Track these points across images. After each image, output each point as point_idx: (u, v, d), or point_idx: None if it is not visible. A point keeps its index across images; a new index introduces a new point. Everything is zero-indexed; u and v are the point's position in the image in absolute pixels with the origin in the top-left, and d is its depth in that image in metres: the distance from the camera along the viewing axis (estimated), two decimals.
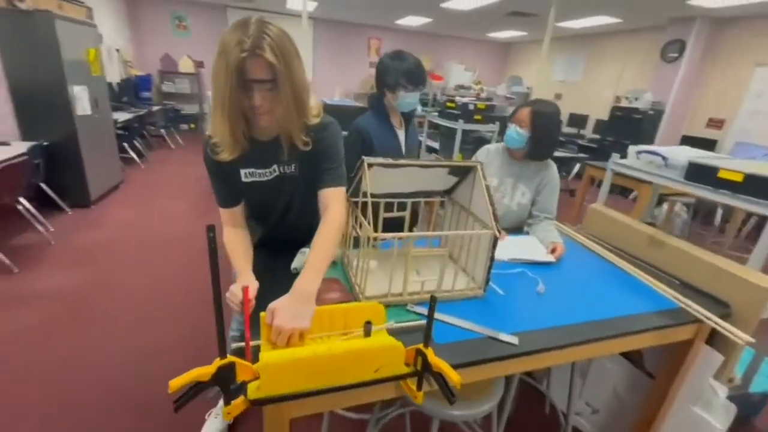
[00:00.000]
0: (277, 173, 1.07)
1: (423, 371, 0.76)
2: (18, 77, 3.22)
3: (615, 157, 1.84)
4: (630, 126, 5.51)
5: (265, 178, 1.06)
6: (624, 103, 5.82)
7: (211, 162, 1.01)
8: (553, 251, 1.36)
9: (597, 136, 6.41)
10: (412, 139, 1.76)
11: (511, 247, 1.39)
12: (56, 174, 3.40)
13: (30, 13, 3.09)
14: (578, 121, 7.00)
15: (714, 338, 1.17)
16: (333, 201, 1.00)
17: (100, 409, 1.57)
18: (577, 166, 5.92)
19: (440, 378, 0.73)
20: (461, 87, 4.41)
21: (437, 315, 0.97)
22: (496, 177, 1.62)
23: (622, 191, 5.14)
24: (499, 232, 1.00)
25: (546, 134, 1.51)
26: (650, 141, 5.48)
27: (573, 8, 5.12)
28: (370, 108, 1.68)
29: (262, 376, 0.69)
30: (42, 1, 3.37)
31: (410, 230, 1.26)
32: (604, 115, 6.24)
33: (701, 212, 3.69)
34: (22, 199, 2.86)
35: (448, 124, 3.08)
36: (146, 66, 7.23)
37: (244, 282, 0.95)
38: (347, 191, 1.10)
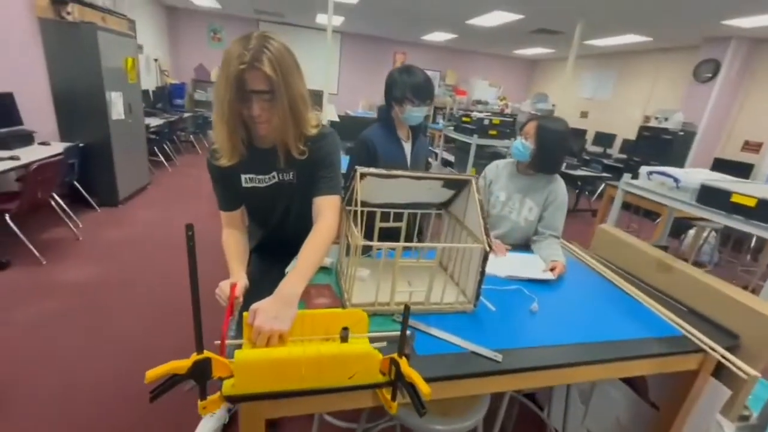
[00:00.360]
0: (276, 180, 1.10)
1: (396, 381, 0.75)
2: (60, 82, 3.47)
3: (626, 177, 1.80)
4: (658, 146, 5.33)
5: (264, 184, 1.10)
6: (653, 123, 5.65)
7: (212, 167, 1.06)
8: (552, 269, 1.33)
9: (623, 156, 6.23)
10: (420, 151, 1.77)
11: (510, 264, 1.37)
12: (89, 173, 3.61)
13: (76, 24, 3.34)
14: (605, 139, 6.83)
15: (721, 371, 1.10)
16: (326, 209, 1.03)
17: (107, 398, 1.63)
18: (602, 186, 5.75)
19: (411, 389, 0.73)
20: (479, 102, 4.40)
21: (421, 326, 0.97)
22: (504, 191, 1.62)
23: (647, 213, 4.95)
24: (490, 247, 0.99)
25: (550, 148, 1.50)
26: (680, 163, 5.28)
27: (601, 27, 5.05)
28: (378, 120, 1.71)
29: (237, 373, 0.71)
30: (88, 13, 3.63)
31: (413, 241, 1.27)
32: (632, 135, 6.06)
33: (732, 238, 3.50)
34: (55, 195, 3.05)
35: (463, 139, 3.09)
36: (181, 75, 7.61)
37: (241, 279, 0.98)
38: (344, 200, 1.12)
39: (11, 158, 2.65)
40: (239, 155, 1.01)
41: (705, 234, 3.71)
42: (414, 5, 4.84)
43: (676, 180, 1.55)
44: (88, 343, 1.96)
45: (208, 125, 7.96)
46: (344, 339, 0.79)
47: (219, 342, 0.76)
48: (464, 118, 3.08)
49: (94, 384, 1.71)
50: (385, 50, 8.60)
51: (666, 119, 5.44)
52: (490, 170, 1.70)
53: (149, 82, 6.18)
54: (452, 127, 3.34)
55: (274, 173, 1.09)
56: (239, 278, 0.98)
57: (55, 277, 2.51)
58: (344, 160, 1.43)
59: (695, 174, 1.57)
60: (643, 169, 1.76)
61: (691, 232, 3.91)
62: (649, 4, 3.80)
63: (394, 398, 0.78)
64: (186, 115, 6.66)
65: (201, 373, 0.69)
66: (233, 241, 1.11)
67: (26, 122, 3.18)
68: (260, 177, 1.09)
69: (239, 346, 0.78)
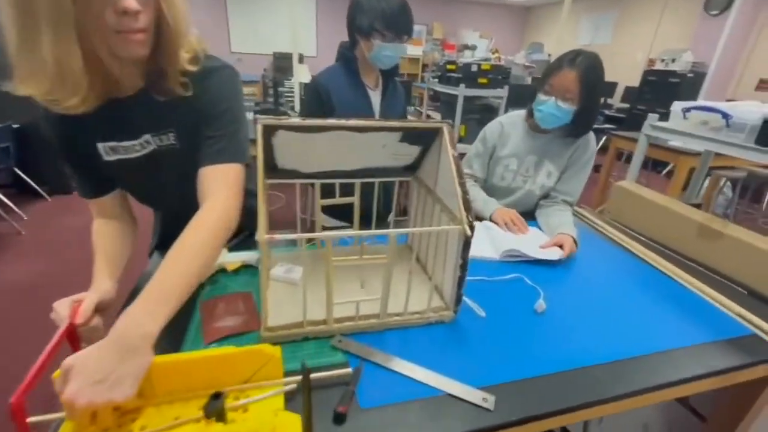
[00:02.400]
0: (154, 146, 0.74)
1: None
2: None
3: (652, 119, 1.41)
4: (664, 92, 4.88)
5: (135, 154, 0.74)
6: (659, 66, 5.16)
7: (53, 128, 0.69)
8: (561, 246, 1.00)
9: (626, 105, 5.78)
10: (393, 105, 1.37)
11: (506, 238, 1.03)
12: (33, 159, 3.20)
13: None
14: (606, 89, 6.33)
15: None
16: (215, 186, 0.67)
17: None
18: (603, 139, 5.35)
19: None
20: (466, 47, 3.92)
21: (372, 355, 0.64)
22: (515, 157, 1.25)
23: (654, 165, 4.59)
24: (471, 229, 0.65)
25: (597, 100, 1.13)
26: None
27: None
28: (337, 60, 1.32)
29: None
30: None
31: (378, 221, 0.92)
32: (635, 82, 5.58)
33: (751, 188, 3.17)
34: None
35: (448, 90, 2.66)
36: None
37: (95, 290, 0.65)
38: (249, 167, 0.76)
39: None
40: (97, 96, 0.63)
41: (721, 184, 3.38)
42: None
43: (725, 116, 1.18)
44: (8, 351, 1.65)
45: None
46: (216, 414, 0.46)
47: None
48: (449, 66, 2.65)
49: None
50: None
51: (673, 60, 4.96)
52: (492, 131, 1.29)
53: None
54: (436, 79, 2.91)
55: (147, 137, 0.73)
56: (96, 290, 0.65)
57: None
58: None
59: (749, 107, 1.20)
60: (677, 106, 1.38)
61: (706, 181, 3.58)
62: None
63: None
64: None
65: None
66: (105, 234, 0.77)
67: None
68: (126, 144, 0.72)
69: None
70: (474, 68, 2.49)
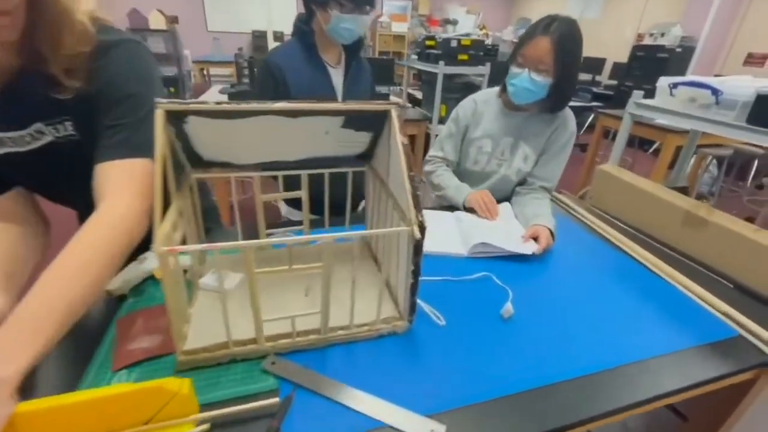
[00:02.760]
0: (50, 137, 0.62)
1: None
2: None
3: (637, 95, 1.31)
4: (652, 68, 4.77)
5: (27, 147, 0.62)
6: (647, 41, 5.05)
7: None
8: (535, 238, 0.91)
9: (614, 82, 5.67)
10: (358, 84, 1.25)
11: (477, 230, 0.95)
12: None
13: None
14: (594, 65, 6.20)
15: None
16: (112, 185, 0.56)
17: None
18: (591, 118, 5.26)
19: None
20: (447, 21, 3.75)
21: (307, 379, 0.55)
22: (489, 138, 1.14)
23: (641, 143, 4.53)
24: (422, 230, 0.55)
25: (574, 71, 1.02)
26: None
27: None
28: (293, 35, 1.18)
29: None
30: None
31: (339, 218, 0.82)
32: (624, 58, 5.46)
33: (737, 165, 3.12)
34: None
35: (427, 68, 2.52)
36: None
37: None
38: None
39: None
40: None
41: (707, 162, 3.33)
42: None
43: (715, 92, 1.08)
44: None
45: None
46: None
47: None
48: (428, 42, 2.49)
49: None
50: None
51: (662, 35, 4.84)
52: (465, 109, 1.18)
53: None
54: (416, 56, 2.76)
55: (39, 126, 0.61)
56: None
57: None
58: None
59: (740, 82, 1.10)
60: (663, 81, 1.27)
61: (692, 159, 3.53)
62: None
63: None
64: None
65: None
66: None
67: None
68: (12, 135, 0.61)
69: None
70: (454, 44, 2.34)
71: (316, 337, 0.61)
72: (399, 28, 7.48)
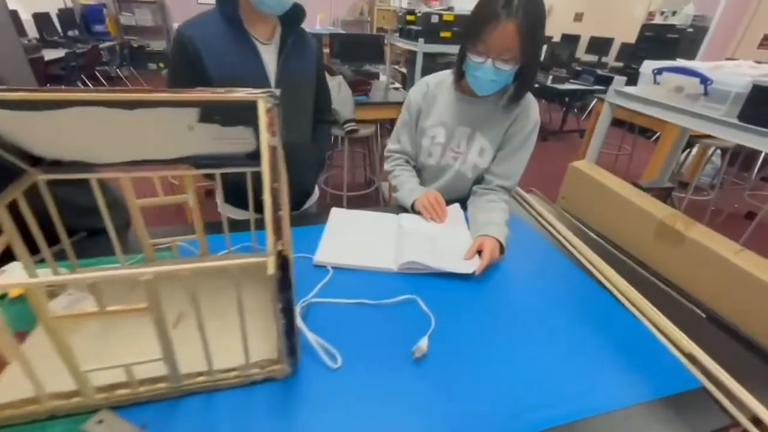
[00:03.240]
0: None
1: None
2: None
3: (618, 82, 1.14)
4: (661, 49, 4.50)
5: None
6: (658, 20, 4.75)
7: None
8: (479, 252, 0.78)
9: (620, 64, 5.40)
10: (295, 63, 1.05)
11: (416, 239, 0.82)
12: None
13: None
14: (600, 46, 5.90)
15: None
16: None
17: None
18: (594, 102, 5.02)
19: None
20: None
21: None
22: (442, 126, 0.99)
23: (642, 130, 4.31)
24: (283, 263, 0.42)
25: (539, 53, 0.87)
26: None
27: None
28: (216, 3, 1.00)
29: None
30: None
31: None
32: (632, 38, 5.17)
33: (741, 155, 2.93)
34: None
35: (407, 46, 2.32)
36: None
37: None
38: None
39: None
40: None
41: (709, 152, 3.14)
42: None
43: (704, 80, 0.90)
44: None
45: (146, 57, 6.79)
46: None
47: None
48: (408, 17, 2.29)
49: None
50: None
51: (674, 13, 4.55)
52: (416, 93, 1.03)
53: (46, 1, 5.03)
54: (397, 33, 2.55)
55: None
56: None
57: None
58: None
59: (737, 69, 0.93)
60: (647, 66, 1.09)
61: (694, 150, 3.34)
62: None
63: None
64: (108, 44, 5.60)
65: None
66: None
67: None
68: None
69: None
70: (435, 19, 2.14)
71: (166, 385, 0.49)
72: (398, 2, 7.14)
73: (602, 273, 0.78)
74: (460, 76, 0.93)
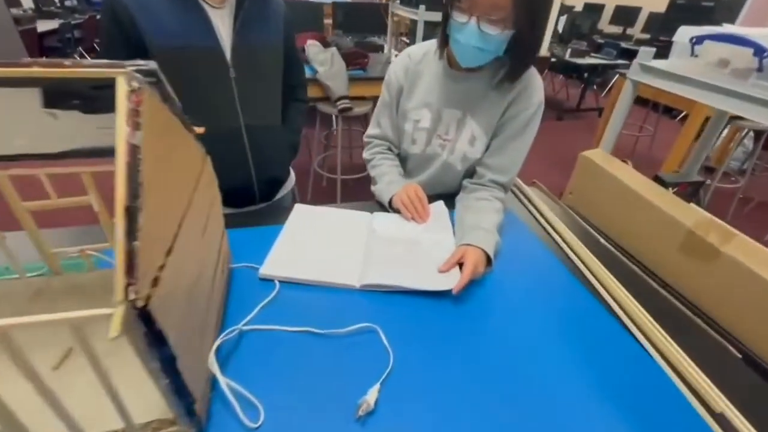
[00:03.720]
0: None
1: None
2: None
3: (645, 55, 0.92)
4: (695, 19, 4.08)
5: None
6: None
7: None
8: (461, 264, 0.64)
9: (646, 36, 5.00)
10: (255, 31, 0.86)
11: (387, 248, 0.68)
12: None
13: None
14: (627, 16, 5.47)
15: None
16: None
17: None
18: (615, 78, 4.68)
19: None
20: None
21: None
22: (427, 108, 0.83)
23: (667, 108, 3.99)
24: (144, 317, 0.29)
25: (542, 18, 0.68)
26: None
27: None
28: None
29: None
30: None
31: None
32: (662, 7, 4.75)
33: None
34: None
35: (407, 14, 2.10)
36: None
37: None
38: None
39: None
40: None
41: (741, 134, 2.88)
42: None
43: (760, 51, 0.69)
44: None
45: None
46: None
47: None
48: None
49: None
50: None
51: None
52: (397, 69, 0.86)
53: None
54: (398, 0, 2.32)
55: None
56: None
57: None
58: None
59: None
60: (682, 34, 0.87)
61: (725, 131, 3.06)
62: None
63: None
64: None
65: None
66: None
67: None
68: None
69: None
70: None
71: None
72: None
73: (611, 294, 0.63)
74: (444, 42, 0.76)
